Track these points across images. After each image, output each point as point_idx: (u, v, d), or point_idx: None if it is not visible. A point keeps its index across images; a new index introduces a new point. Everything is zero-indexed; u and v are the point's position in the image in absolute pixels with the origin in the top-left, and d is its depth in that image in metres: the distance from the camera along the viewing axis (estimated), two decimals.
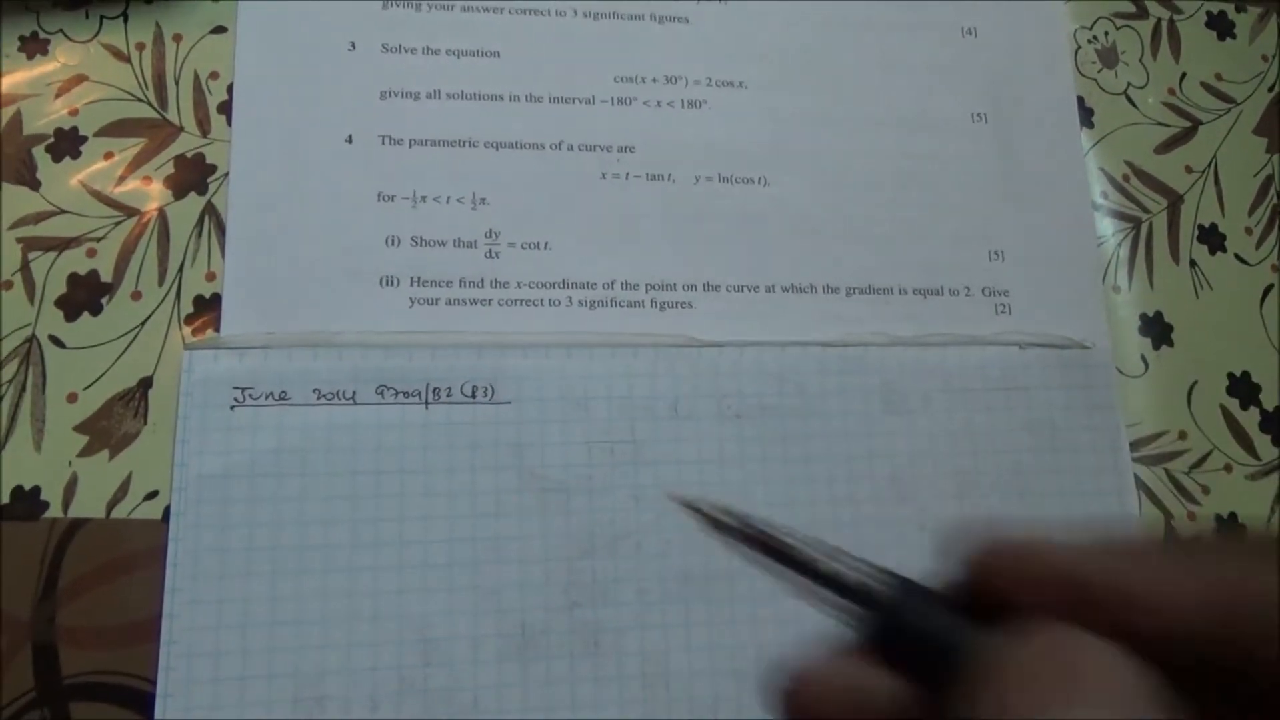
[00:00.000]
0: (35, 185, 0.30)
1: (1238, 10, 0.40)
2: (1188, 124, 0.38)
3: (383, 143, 0.32)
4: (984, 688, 0.13)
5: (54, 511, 0.28)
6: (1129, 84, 0.38)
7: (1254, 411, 0.35)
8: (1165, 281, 0.36)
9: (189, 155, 0.31)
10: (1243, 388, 0.36)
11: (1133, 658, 0.13)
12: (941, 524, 0.31)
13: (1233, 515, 0.34)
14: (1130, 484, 0.33)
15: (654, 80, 0.34)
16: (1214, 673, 0.13)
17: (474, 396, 0.30)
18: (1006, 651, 0.14)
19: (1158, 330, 0.35)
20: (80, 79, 0.32)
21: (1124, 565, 0.14)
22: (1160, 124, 0.38)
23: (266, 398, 0.29)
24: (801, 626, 0.30)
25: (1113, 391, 0.34)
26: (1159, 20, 0.39)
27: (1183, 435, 0.34)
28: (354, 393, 0.30)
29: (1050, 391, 0.33)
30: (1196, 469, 0.34)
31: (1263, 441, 0.35)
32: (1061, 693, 0.13)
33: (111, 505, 0.28)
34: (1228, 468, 0.35)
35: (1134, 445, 0.34)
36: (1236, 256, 0.37)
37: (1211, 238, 0.37)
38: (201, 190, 0.31)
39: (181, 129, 0.32)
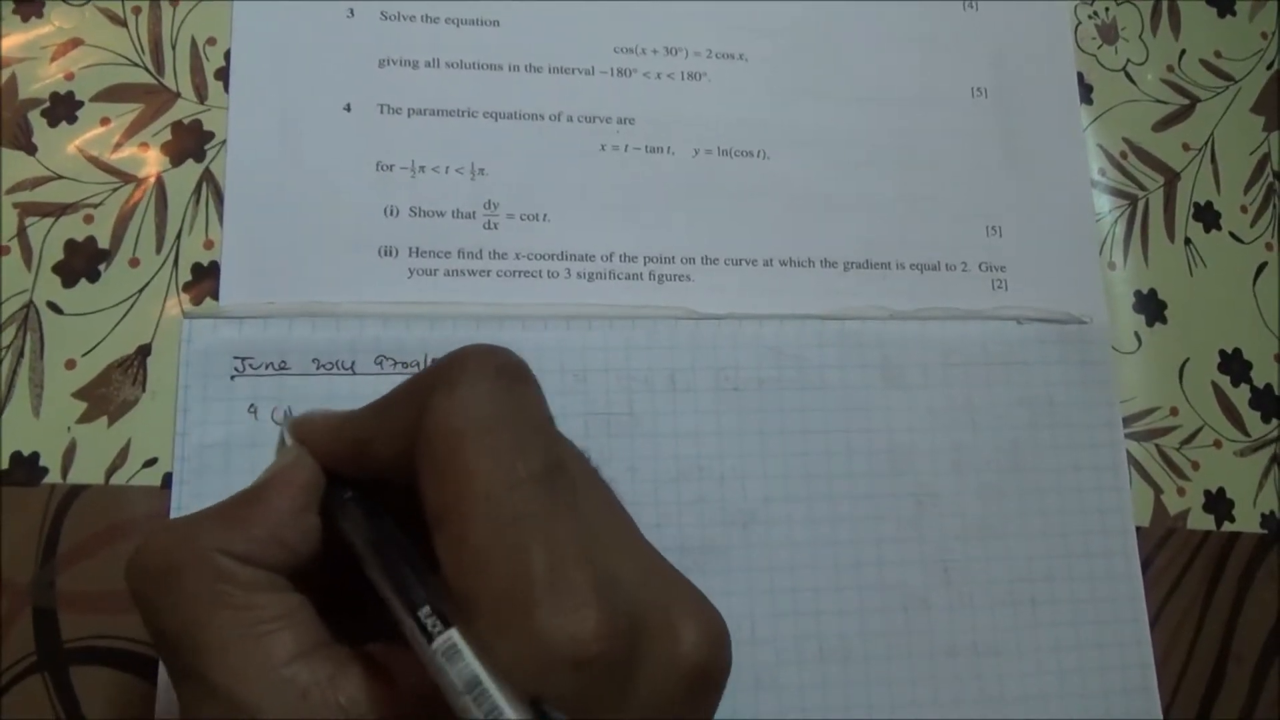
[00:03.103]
0: (31, 150, 0.30)
1: None
2: (1186, 101, 0.38)
3: (381, 112, 0.32)
4: None
5: (53, 477, 0.28)
6: (1128, 60, 0.38)
7: (1244, 388, 0.36)
8: (1160, 259, 0.36)
9: (186, 122, 0.31)
10: (1234, 365, 0.36)
11: (309, 458, 0.23)
12: (937, 497, 0.32)
13: (1221, 491, 0.34)
14: (1122, 459, 0.33)
15: (654, 51, 0.34)
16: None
17: None
18: None
19: (1152, 307, 0.36)
20: (76, 42, 0.31)
21: (360, 427, 0.22)
22: (1159, 101, 0.38)
23: (266, 367, 0.29)
24: (799, 598, 0.31)
25: (1108, 368, 0.34)
26: None
27: (1174, 411, 0.35)
28: (353, 363, 0.30)
29: (1047, 366, 0.34)
30: (1187, 445, 0.35)
31: (1252, 418, 0.36)
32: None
33: (110, 472, 0.28)
34: (1217, 444, 0.35)
35: (1126, 421, 0.34)
36: (1231, 234, 0.37)
37: (1207, 215, 0.37)
38: (199, 157, 0.31)
39: (179, 95, 0.31)
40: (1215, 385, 0.36)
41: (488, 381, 0.19)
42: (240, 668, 0.19)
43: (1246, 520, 0.34)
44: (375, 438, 0.21)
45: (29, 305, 0.29)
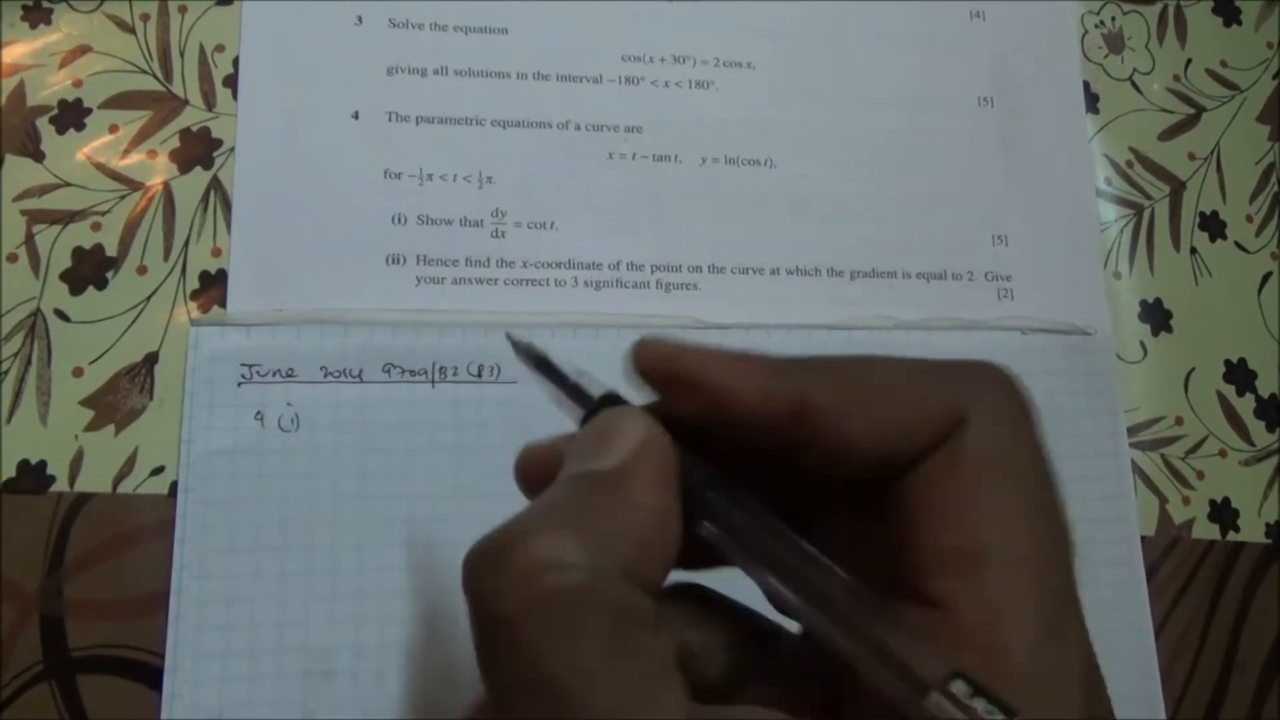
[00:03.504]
0: (39, 157, 0.30)
1: None
2: (1192, 111, 0.38)
3: (389, 119, 0.32)
4: (570, 452, 0.18)
5: (60, 485, 0.28)
6: (1134, 70, 0.38)
7: (1249, 398, 0.36)
8: (1166, 268, 0.36)
9: (194, 129, 0.31)
10: (1239, 374, 0.36)
11: (661, 429, 0.18)
12: None
13: (1226, 500, 0.34)
14: (1127, 469, 0.33)
15: (662, 60, 0.34)
16: (774, 458, 0.18)
17: (480, 376, 0.30)
18: (587, 424, 0.19)
19: (1157, 317, 0.36)
20: (84, 49, 0.31)
21: (732, 371, 0.18)
22: (1165, 110, 0.38)
23: (274, 375, 0.29)
24: None
25: (1113, 378, 0.34)
26: (1166, 6, 0.39)
27: (1179, 421, 0.35)
28: (360, 371, 0.30)
29: (1052, 377, 0.34)
30: (1192, 454, 0.35)
31: (1257, 427, 0.36)
32: (592, 449, 0.17)
33: (118, 480, 0.28)
34: (1222, 453, 0.35)
35: (1131, 430, 0.34)
36: (1236, 244, 0.37)
37: (1212, 225, 0.37)
38: (207, 165, 0.31)
39: (187, 102, 0.31)
40: (1220, 395, 0.36)
41: (1030, 424, 0.17)
42: None
43: (1251, 530, 0.34)
44: (833, 407, 0.17)
45: (36, 313, 0.29)
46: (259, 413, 0.29)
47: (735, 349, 0.19)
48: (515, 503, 0.17)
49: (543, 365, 0.21)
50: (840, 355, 0.18)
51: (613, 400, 0.20)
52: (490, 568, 0.15)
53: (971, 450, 0.17)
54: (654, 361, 0.19)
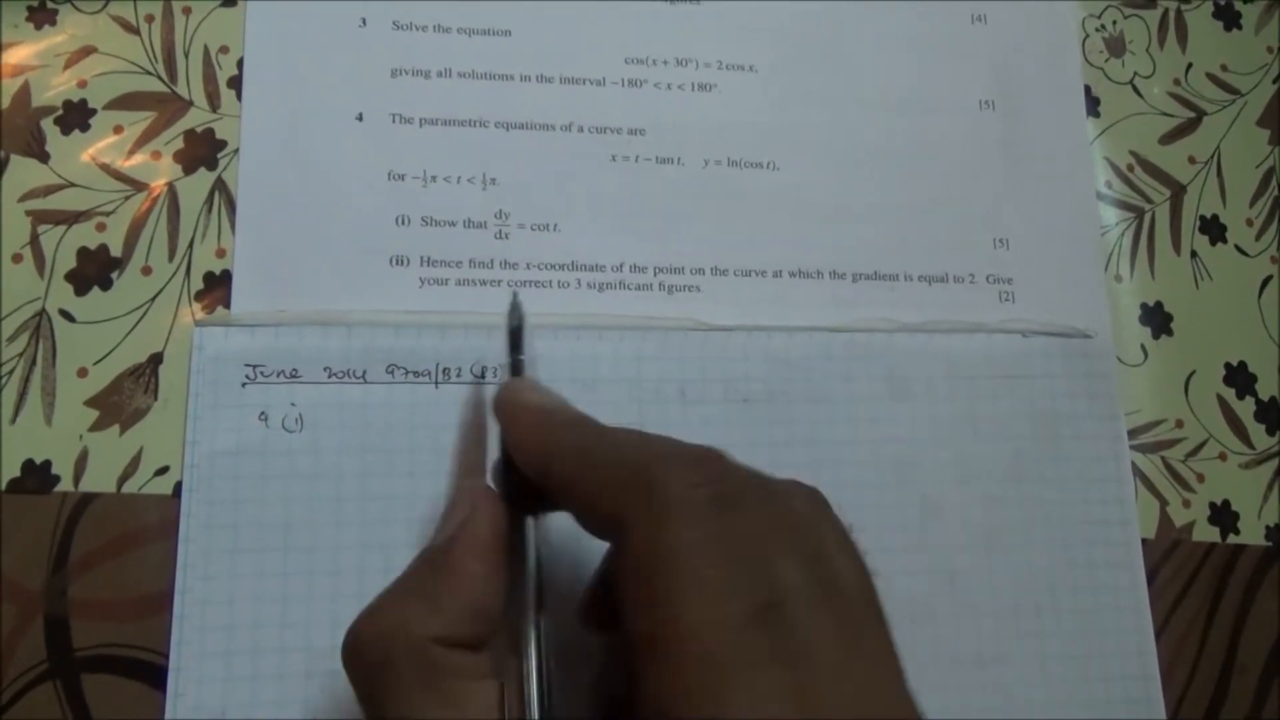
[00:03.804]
0: (44, 158, 0.30)
1: (1244, 0, 0.40)
2: (1192, 115, 0.38)
3: (393, 121, 0.32)
4: None
5: (65, 485, 0.28)
6: (1135, 73, 0.38)
7: (1249, 401, 0.36)
8: (1166, 271, 0.36)
9: (199, 130, 0.31)
10: (1239, 377, 0.36)
11: (491, 501, 0.23)
12: (943, 508, 0.32)
13: (1226, 503, 0.35)
14: (1128, 471, 0.34)
15: (664, 62, 0.34)
16: None
17: (484, 377, 0.30)
18: None
19: (1158, 320, 0.36)
20: (89, 50, 0.31)
21: (524, 423, 0.23)
22: (1165, 114, 0.38)
23: (278, 375, 0.29)
24: None
25: (1113, 381, 0.34)
26: (1167, 10, 0.39)
27: (1179, 424, 0.35)
28: (364, 372, 0.30)
29: (1053, 380, 0.34)
30: (1192, 457, 0.35)
31: (1257, 430, 0.36)
32: (440, 521, 0.23)
33: (122, 480, 0.28)
34: (1222, 456, 0.35)
35: (1131, 433, 0.34)
36: (1237, 248, 0.37)
37: (1213, 229, 0.37)
38: (211, 165, 0.31)
39: (191, 103, 0.32)
40: (1220, 398, 0.36)
41: (700, 508, 0.19)
42: None
43: (1251, 532, 0.35)
44: (578, 481, 0.21)
45: (41, 313, 0.29)
46: (263, 413, 0.29)
47: (557, 405, 0.24)
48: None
49: (513, 333, 0.27)
50: (601, 430, 0.22)
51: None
52: (345, 645, 0.21)
53: (634, 545, 0.19)
54: (496, 408, 0.24)
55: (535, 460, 0.22)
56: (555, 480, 0.21)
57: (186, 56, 0.32)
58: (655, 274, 0.32)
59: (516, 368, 0.26)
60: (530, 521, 0.23)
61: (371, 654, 0.21)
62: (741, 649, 0.17)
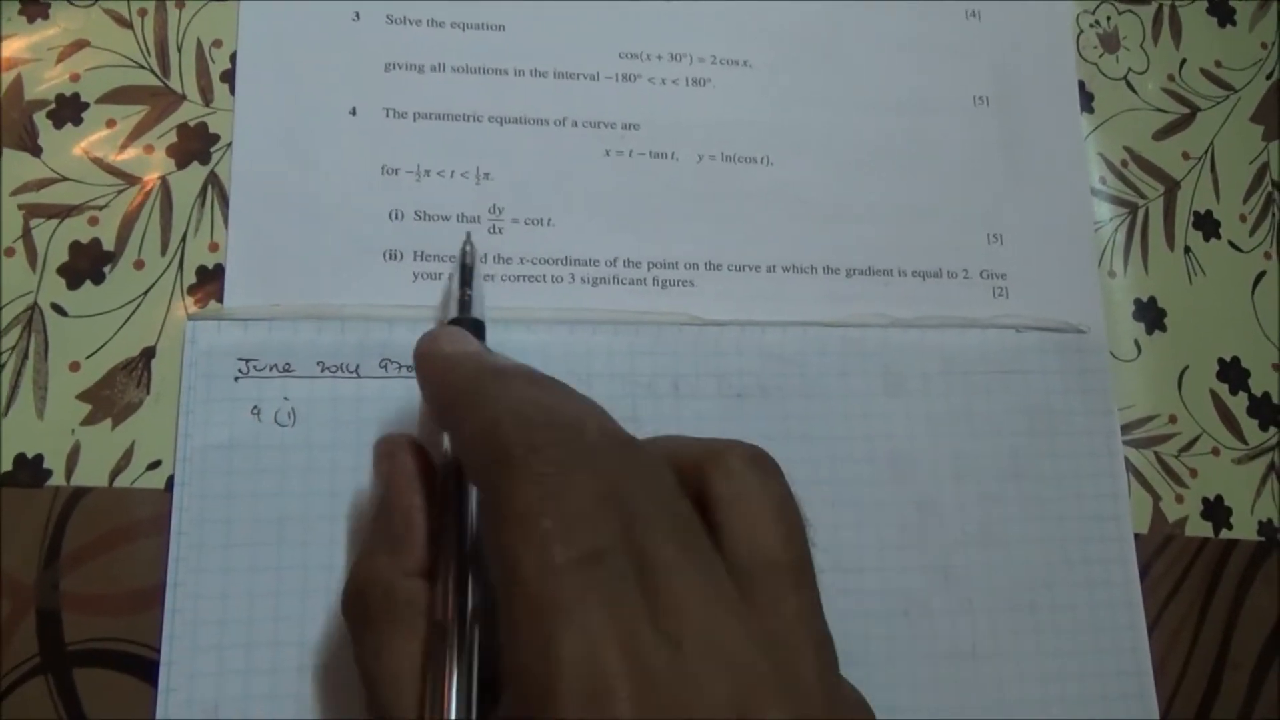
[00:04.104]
0: (36, 151, 0.30)
1: None
2: (1186, 110, 0.38)
3: (387, 115, 0.32)
4: None
5: (57, 479, 0.28)
6: (1129, 69, 0.38)
7: (1243, 396, 0.36)
8: (1160, 267, 0.37)
9: (192, 124, 0.31)
10: (1232, 373, 0.36)
11: (404, 445, 0.26)
12: (937, 504, 0.32)
13: (1219, 498, 0.35)
14: (1121, 467, 0.34)
15: (659, 57, 0.34)
16: None
17: None
18: None
19: (1151, 315, 0.36)
20: (81, 44, 0.31)
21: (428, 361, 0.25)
22: (1159, 110, 0.38)
23: (270, 369, 0.29)
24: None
25: (1107, 376, 0.34)
26: (1161, 6, 0.39)
27: (1173, 419, 0.35)
28: (358, 366, 0.30)
29: (1047, 375, 0.34)
30: (1185, 452, 0.35)
31: (1250, 426, 0.36)
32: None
33: (114, 474, 0.28)
34: (1215, 451, 0.35)
35: (1125, 429, 0.34)
36: (1230, 243, 0.37)
37: (1206, 224, 0.37)
38: (204, 160, 0.31)
39: (184, 97, 0.31)
40: (1214, 393, 0.36)
41: (536, 467, 0.19)
42: (405, 692, 0.22)
43: (1244, 528, 0.35)
44: (452, 434, 0.24)
45: (33, 307, 0.29)
46: (255, 407, 0.29)
47: (466, 354, 0.25)
48: None
49: (464, 270, 0.29)
50: (493, 382, 0.22)
51: (456, 323, 0.28)
52: (341, 602, 0.24)
53: (484, 504, 0.21)
54: (414, 356, 0.25)
55: (431, 408, 0.25)
56: (445, 429, 0.24)
57: (179, 50, 0.32)
58: (649, 269, 0.32)
59: (464, 304, 0.28)
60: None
61: (355, 606, 0.24)
62: (568, 591, 0.18)
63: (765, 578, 0.21)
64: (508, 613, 0.19)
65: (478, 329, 0.28)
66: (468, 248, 0.30)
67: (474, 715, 0.21)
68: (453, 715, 0.21)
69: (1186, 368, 0.36)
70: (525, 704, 0.18)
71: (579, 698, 0.17)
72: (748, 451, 0.23)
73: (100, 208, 0.30)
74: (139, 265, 0.30)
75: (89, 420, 0.29)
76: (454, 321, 0.28)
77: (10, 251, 0.30)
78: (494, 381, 0.22)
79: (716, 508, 0.21)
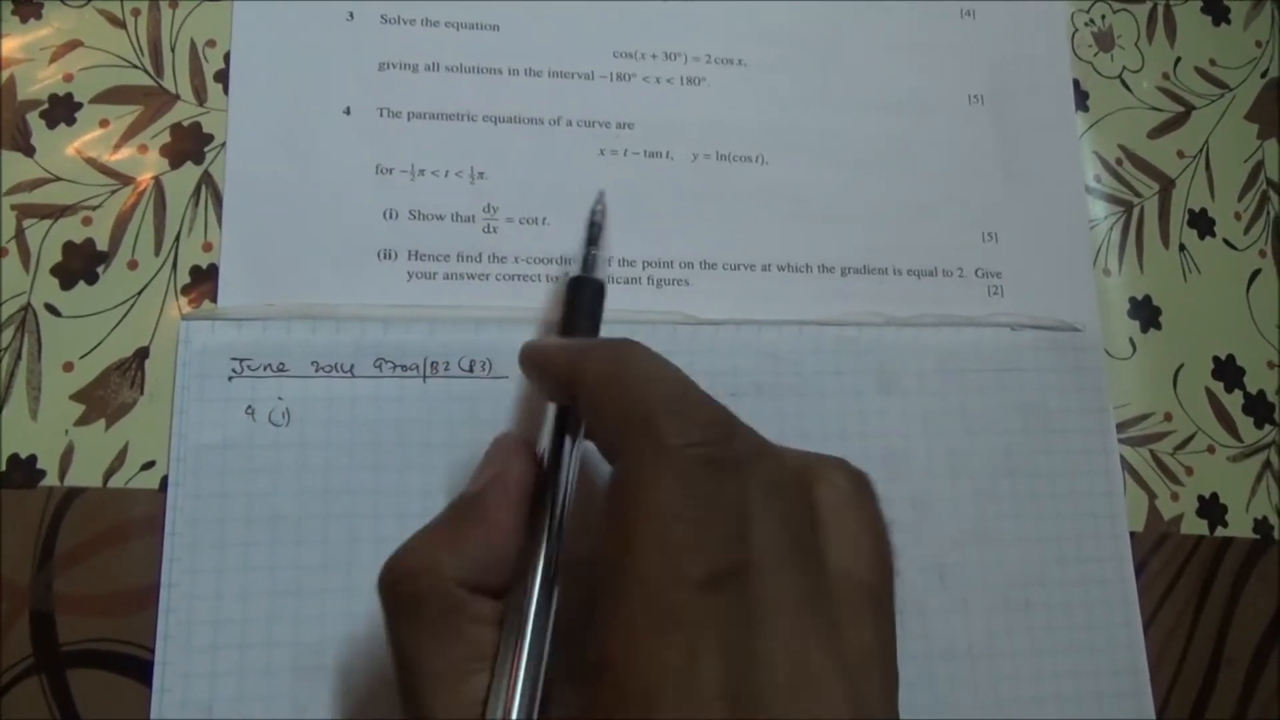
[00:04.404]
0: (30, 152, 0.30)
1: None
2: (1181, 109, 0.38)
3: (381, 115, 0.32)
4: None
5: (51, 480, 0.28)
6: (1124, 68, 0.38)
7: (1238, 394, 0.36)
8: (1155, 265, 0.37)
9: (185, 124, 0.31)
10: (1227, 371, 0.36)
11: (524, 456, 0.24)
12: (933, 502, 0.32)
13: (1214, 496, 0.35)
14: (1116, 465, 0.34)
15: (653, 56, 0.34)
16: None
17: (472, 371, 0.30)
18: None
19: (1146, 313, 0.36)
20: (74, 44, 0.31)
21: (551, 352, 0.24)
22: (1154, 108, 0.38)
23: (264, 369, 0.29)
24: None
25: (1102, 374, 0.34)
26: (1155, 5, 0.39)
27: (1168, 417, 0.35)
28: (352, 365, 0.30)
29: (1042, 374, 0.34)
30: (1181, 450, 0.35)
31: (1245, 424, 0.36)
32: (475, 470, 0.25)
33: (108, 474, 0.28)
34: (1211, 449, 0.35)
35: (1120, 426, 0.34)
36: (1225, 241, 0.38)
37: (1201, 222, 0.37)
38: (198, 160, 0.31)
39: (178, 97, 0.31)
40: (1209, 391, 0.36)
41: (689, 466, 0.19)
42: (447, 705, 0.20)
43: (1239, 525, 0.35)
44: (597, 404, 0.22)
45: (27, 307, 0.29)
46: (250, 407, 0.29)
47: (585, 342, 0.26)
48: None
49: (592, 228, 0.30)
50: (633, 359, 0.22)
51: (576, 283, 0.28)
52: (381, 577, 0.22)
53: (615, 489, 0.20)
54: (520, 358, 0.25)
55: (555, 389, 0.24)
56: (582, 404, 0.22)
57: (173, 50, 0.32)
58: (644, 268, 0.32)
59: (589, 262, 0.29)
60: (568, 442, 0.24)
61: (402, 588, 0.22)
62: (690, 608, 0.18)
63: (851, 596, 0.20)
64: (616, 606, 0.18)
65: (598, 291, 0.28)
66: (599, 207, 0.30)
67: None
68: (514, 716, 0.20)
69: (1181, 366, 0.36)
70: (613, 703, 0.18)
71: (674, 706, 0.17)
72: (853, 471, 0.22)
73: (94, 208, 0.30)
74: (132, 265, 0.30)
75: (83, 420, 0.29)
76: (576, 279, 0.28)
77: (3, 252, 0.29)
78: (651, 361, 0.22)
79: (817, 517, 0.21)
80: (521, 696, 0.20)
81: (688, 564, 0.18)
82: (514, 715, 0.20)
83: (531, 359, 0.25)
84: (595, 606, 0.19)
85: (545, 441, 0.25)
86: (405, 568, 0.22)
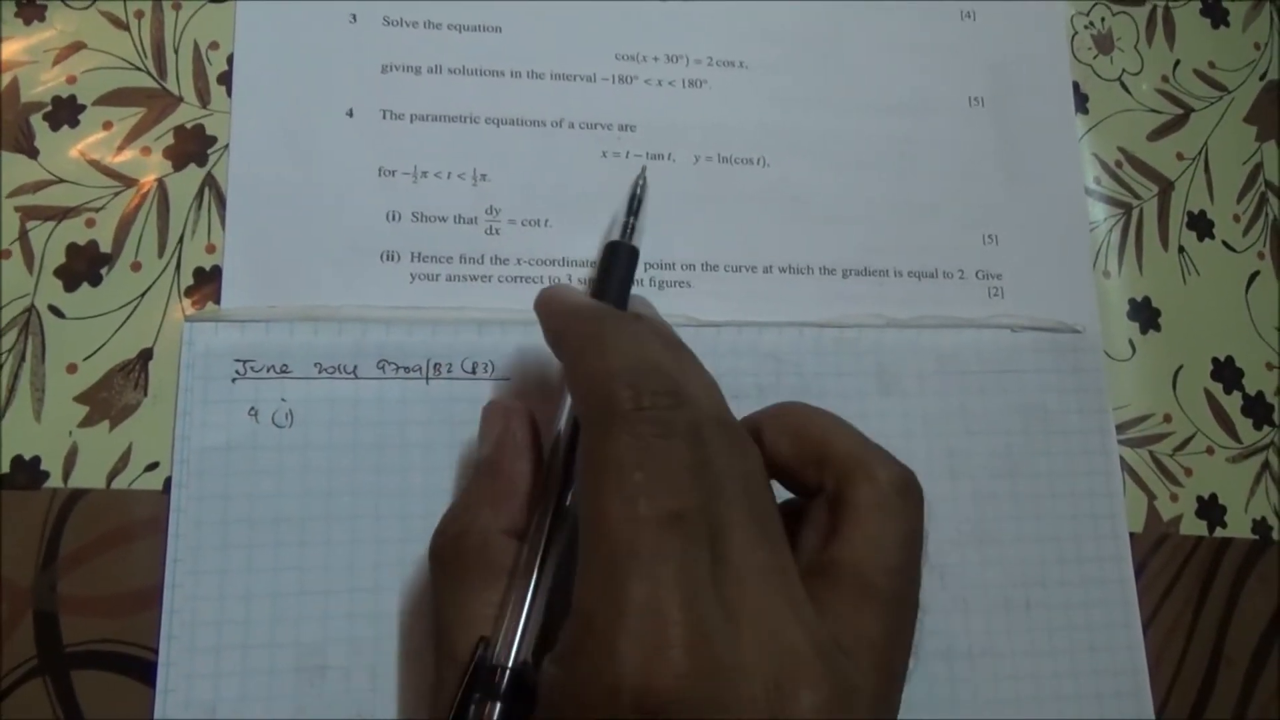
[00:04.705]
0: (33, 154, 0.30)
1: None
2: (1180, 111, 0.39)
3: (384, 117, 0.32)
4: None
5: (54, 481, 0.28)
6: (1124, 70, 0.38)
7: (1237, 396, 0.36)
8: (1154, 267, 0.37)
9: (189, 126, 0.31)
10: (1226, 372, 0.36)
11: (520, 412, 0.27)
12: (933, 503, 0.32)
13: (1213, 497, 0.35)
14: (1116, 466, 0.34)
15: (655, 59, 0.34)
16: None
17: (474, 372, 0.30)
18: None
19: (1146, 315, 0.36)
20: (78, 46, 0.31)
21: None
22: (1153, 111, 0.38)
23: (268, 371, 0.29)
24: None
25: (1101, 375, 0.34)
26: (1155, 7, 0.39)
27: (1167, 418, 0.35)
28: (355, 367, 0.30)
29: (1042, 375, 0.34)
30: (1180, 451, 0.35)
31: (1244, 425, 0.36)
32: (479, 437, 0.27)
33: (112, 476, 0.28)
34: (1210, 450, 0.35)
35: (1120, 428, 0.34)
36: (1224, 243, 0.38)
37: (1200, 224, 0.38)
38: (201, 162, 0.31)
39: (181, 99, 0.31)
40: (1208, 392, 0.36)
41: (640, 425, 0.20)
42: (471, 645, 0.23)
43: (1238, 526, 0.35)
44: (569, 370, 0.24)
45: (30, 309, 0.29)
46: (253, 408, 0.29)
47: (590, 302, 0.27)
48: None
49: (632, 200, 0.31)
50: (617, 327, 0.24)
51: (612, 248, 0.30)
52: (433, 539, 0.25)
53: (582, 451, 0.22)
54: (536, 303, 0.26)
55: (550, 343, 0.25)
56: (563, 364, 0.24)
57: (176, 52, 0.32)
58: (646, 269, 0.32)
59: (627, 229, 0.30)
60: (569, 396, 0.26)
61: (449, 550, 0.25)
62: (646, 543, 0.19)
63: (853, 597, 0.21)
64: (587, 553, 0.20)
65: (633, 256, 0.30)
66: (641, 180, 0.31)
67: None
68: (513, 652, 0.22)
69: (1181, 367, 0.36)
70: (586, 640, 0.19)
71: (637, 640, 0.18)
72: (901, 473, 0.23)
73: (97, 210, 0.30)
74: (136, 267, 0.30)
75: (86, 422, 0.29)
76: (613, 244, 0.30)
77: (7, 253, 0.30)
78: (622, 332, 0.23)
79: (845, 511, 0.22)
80: (522, 634, 0.23)
81: (643, 505, 0.19)
82: (513, 650, 0.22)
83: (538, 306, 0.26)
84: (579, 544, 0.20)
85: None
86: (450, 530, 0.25)
